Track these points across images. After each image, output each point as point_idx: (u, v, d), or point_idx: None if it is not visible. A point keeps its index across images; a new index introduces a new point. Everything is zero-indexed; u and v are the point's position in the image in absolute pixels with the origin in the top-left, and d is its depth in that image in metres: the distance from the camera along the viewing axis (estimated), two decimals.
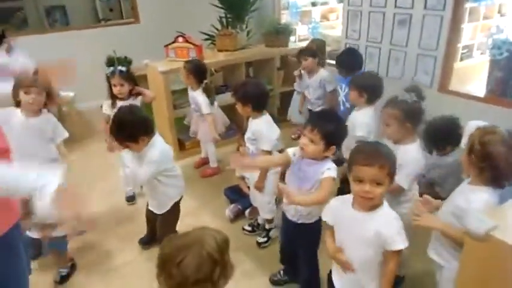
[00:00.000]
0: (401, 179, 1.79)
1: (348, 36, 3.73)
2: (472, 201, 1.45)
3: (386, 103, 1.92)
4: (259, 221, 2.63)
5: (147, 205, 2.41)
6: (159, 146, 2.08)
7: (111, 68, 2.72)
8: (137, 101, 2.72)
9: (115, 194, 3.10)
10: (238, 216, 2.78)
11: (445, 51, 2.99)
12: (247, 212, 2.76)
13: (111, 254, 2.49)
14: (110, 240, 2.62)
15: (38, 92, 2.14)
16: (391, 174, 1.37)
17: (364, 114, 2.42)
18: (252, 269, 2.35)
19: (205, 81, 3.12)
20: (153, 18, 5.06)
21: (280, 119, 3.71)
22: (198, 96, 3.06)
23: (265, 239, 2.53)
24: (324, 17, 5.91)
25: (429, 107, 2.35)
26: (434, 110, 2.41)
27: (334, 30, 5.11)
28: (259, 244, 2.53)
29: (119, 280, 2.31)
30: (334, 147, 1.71)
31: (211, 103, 3.11)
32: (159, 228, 2.34)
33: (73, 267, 2.33)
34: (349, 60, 3.09)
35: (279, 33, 3.98)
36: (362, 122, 2.39)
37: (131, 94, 2.72)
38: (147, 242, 2.51)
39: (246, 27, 4.51)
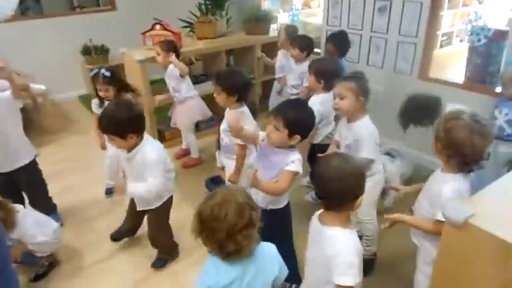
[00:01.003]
0: (365, 152, 1.92)
1: (329, 24, 3.69)
2: (444, 191, 1.45)
3: (341, 78, 2.03)
4: None
5: (131, 201, 2.30)
6: (154, 146, 2.00)
7: (95, 71, 2.62)
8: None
9: (92, 186, 3.02)
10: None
11: (425, 38, 2.98)
12: None
13: (88, 248, 2.43)
14: (87, 234, 2.56)
15: None
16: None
17: (317, 101, 2.41)
18: None
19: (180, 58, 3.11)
20: (131, 5, 4.90)
21: (261, 108, 3.67)
22: (174, 68, 3.02)
23: None
24: (306, 5, 5.86)
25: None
26: None
27: (315, 18, 5.06)
28: None
29: (94, 276, 2.26)
30: (298, 136, 1.68)
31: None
32: (153, 222, 2.23)
33: (51, 265, 2.26)
34: (344, 42, 3.07)
35: (260, 21, 3.91)
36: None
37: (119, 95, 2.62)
38: (117, 238, 2.44)
39: (226, 14, 4.41)
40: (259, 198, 1.83)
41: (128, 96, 2.63)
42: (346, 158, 1.48)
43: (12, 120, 2.28)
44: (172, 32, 3.42)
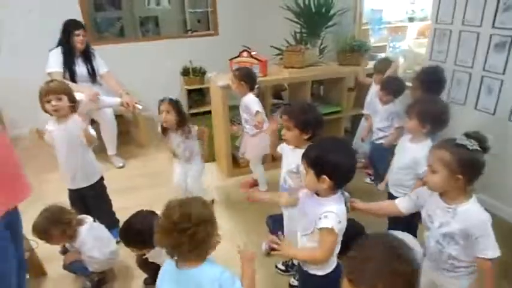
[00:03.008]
0: (489, 248, 1.44)
1: (433, 58, 3.24)
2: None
3: (438, 144, 1.53)
4: (295, 261, 2.35)
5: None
6: None
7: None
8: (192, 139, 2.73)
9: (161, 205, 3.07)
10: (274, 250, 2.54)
11: None
12: None
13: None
14: None
15: (58, 98, 2.21)
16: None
17: (424, 148, 1.92)
18: None
19: (256, 86, 3.00)
20: (230, 30, 5.08)
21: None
22: (248, 98, 2.92)
23: None
24: (422, 34, 5.35)
25: None
26: None
27: None
28: (291, 287, 2.26)
29: None
30: (325, 177, 1.43)
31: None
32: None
33: (100, 282, 2.31)
34: (430, 79, 2.66)
35: (354, 51, 3.64)
36: (424, 157, 1.92)
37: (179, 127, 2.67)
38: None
39: (322, 44, 4.24)
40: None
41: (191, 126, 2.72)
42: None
43: (85, 147, 2.44)
44: (258, 59, 3.37)
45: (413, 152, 2.10)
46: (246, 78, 2.90)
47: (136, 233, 1.93)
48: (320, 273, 1.56)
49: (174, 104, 2.61)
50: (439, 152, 1.46)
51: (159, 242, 1.34)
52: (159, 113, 2.65)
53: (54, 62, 3.54)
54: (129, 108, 3.66)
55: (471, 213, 1.45)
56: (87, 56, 3.73)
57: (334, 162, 1.42)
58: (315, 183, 1.46)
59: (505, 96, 2.68)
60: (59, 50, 3.58)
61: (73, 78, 3.60)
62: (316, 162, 1.45)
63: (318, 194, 1.54)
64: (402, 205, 1.69)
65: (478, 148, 1.40)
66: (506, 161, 2.62)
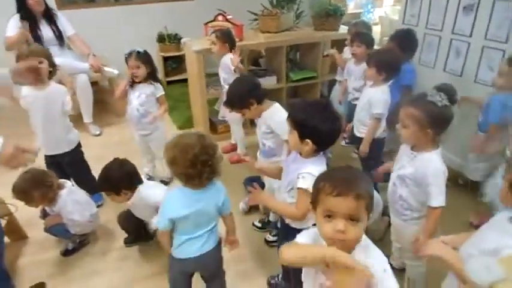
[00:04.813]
0: (435, 197, 1.55)
1: (405, 22, 3.30)
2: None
3: (409, 101, 1.61)
4: (271, 218, 2.47)
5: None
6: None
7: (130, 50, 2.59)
8: (159, 89, 2.66)
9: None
10: (252, 208, 2.65)
11: None
12: (261, 206, 2.60)
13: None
14: None
15: (39, 62, 2.12)
16: (369, 211, 1.01)
17: (382, 91, 2.37)
18: (253, 268, 2.21)
19: (236, 48, 3.01)
20: None
21: None
22: (228, 57, 2.92)
23: (275, 237, 2.36)
24: (398, 1, 5.39)
25: None
26: None
27: None
28: (267, 242, 2.38)
29: (123, 259, 2.32)
30: (309, 141, 1.46)
31: None
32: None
33: (81, 243, 2.37)
34: (409, 42, 2.81)
35: (329, 16, 3.65)
36: (380, 99, 2.36)
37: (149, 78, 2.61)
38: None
39: (298, 9, 4.23)
40: None
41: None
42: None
43: (63, 115, 2.43)
44: (234, 24, 3.35)
45: (369, 95, 2.42)
46: (228, 39, 2.92)
47: (110, 177, 2.00)
48: (300, 227, 1.61)
49: (143, 57, 2.53)
50: (409, 109, 1.56)
51: (179, 174, 1.52)
52: (128, 68, 2.56)
53: (12, 28, 3.40)
54: (96, 70, 3.61)
55: (428, 162, 1.57)
56: (50, 17, 3.58)
57: (319, 128, 1.44)
58: (298, 144, 1.50)
59: (472, 59, 2.78)
60: (16, 16, 3.44)
61: (40, 44, 3.48)
62: (300, 125, 1.48)
63: (300, 154, 1.58)
64: None
65: (447, 103, 1.51)
66: (467, 117, 2.74)
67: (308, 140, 1.46)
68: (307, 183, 1.45)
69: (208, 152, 1.51)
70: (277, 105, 2.14)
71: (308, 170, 1.48)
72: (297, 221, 1.60)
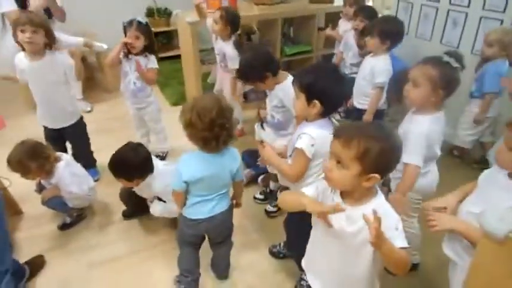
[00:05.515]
0: (408, 153, 1.52)
1: None
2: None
3: (426, 60, 1.57)
4: (271, 187, 2.46)
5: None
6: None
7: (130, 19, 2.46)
8: (153, 62, 2.55)
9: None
10: (251, 181, 2.64)
11: None
12: (260, 178, 2.59)
13: (120, 206, 2.44)
14: None
15: (33, 31, 2.07)
16: (363, 164, 1.04)
17: (385, 61, 2.39)
18: (255, 239, 2.22)
19: (237, 32, 2.88)
20: None
21: None
22: (227, 48, 2.80)
23: (275, 208, 2.37)
24: None
25: None
26: None
27: None
28: (267, 213, 2.38)
29: (120, 233, 2.30)
30: (317, 102, 1.43)
31: None
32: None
33: (79, 217, 2.34)
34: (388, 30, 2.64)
35: None
36: (383, 69, 2.37)
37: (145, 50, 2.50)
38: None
39: None
40: None
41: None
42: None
43: (65, 85, 2.37)
44: None
45: (371, 64, 2.42)
46: (232, 23, 2.72)
47: (126, 164, 1.94)
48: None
49: (144, 28, 2.42)
50: (425, 67, 1.54)
51: (196, 137, 1.51)
52: (127, 38, 2.43)
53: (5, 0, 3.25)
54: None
55: (417, 122, 1.58)
56: None
57: (328, 87, 1.42)
58: (306, 107, 1.47)
59: (469, 30, 2.78)
60: None
61: None
62: (309, 86, 1.44)
63: (306, 120, 1.55)
64: None
65: (458, 65, 1.50)
66: (461, 89, 2.75)
67: (316, 101, 1.43)
68: (303, 143, 1.45)
69: (226, 115, 1.50)
70: (291, 77, 2.09)
71: (306, 131, 1.47)
72: (290, 181, 1.60)
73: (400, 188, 1.60)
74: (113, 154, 1.99)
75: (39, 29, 2.10)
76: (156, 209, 2.12)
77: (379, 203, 1.12)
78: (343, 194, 1.15)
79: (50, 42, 2.19)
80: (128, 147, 2.01)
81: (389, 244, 1.02)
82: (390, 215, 1.10)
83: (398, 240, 1.05)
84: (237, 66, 2.76)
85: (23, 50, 2.19)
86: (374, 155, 1.02)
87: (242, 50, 2.72)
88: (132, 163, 1.94)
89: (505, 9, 2.53)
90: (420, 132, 1.55)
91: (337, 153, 1.07)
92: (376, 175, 1.04)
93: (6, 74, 2.43)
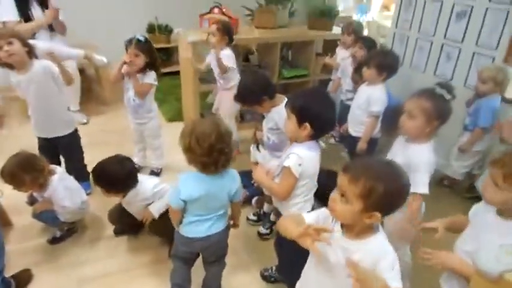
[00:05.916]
0: (422, 184, 1.59)
1: (398, 26, 3.38)
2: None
3: (420, 92, 1.65)
4: (265, 209, 2.47)
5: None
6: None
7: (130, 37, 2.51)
8: (149, 77, 2.56)
9: None
10: (245, 203, 2.64)
11: (506, 52, 2.59)
12: (254, 200, 2.60)
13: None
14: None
15: (8, 43, 2.06)
16: (366, 203, 1.04)
17: (381, 90, 2.47)
18: (247, 261, 2.21)
19: (233, 43, 2.95)
20: None
21: None
22: (225, 53, 2.82)
23: (268, 230, 2.38)
24: (385, 7, 5.48)
25: None
26: None
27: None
28: (260, 235, 2.38)
29: (110, 249, 2.27)
30: (307, 125, 1.49)
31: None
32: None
33: (69, 231, 2.31)
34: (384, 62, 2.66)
35: (323, 15, 3.70)
36: (379, 98, 2.46)
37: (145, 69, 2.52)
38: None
39: (292, 6, 4.25)
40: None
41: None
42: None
43: (57, 92, 2.35)
44: (230, 17, 3.35)
45: (368, 93, 2.50)
46: (228, 32, 2.82)
47: (111, 175, 1.94)
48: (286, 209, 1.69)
49: (143, 46, 2.45)
50: (419, 100, 1.61)
51: (195, 162, 1.53)
52: (126, 56, 2.46)
53: (6, 9, 3.27)
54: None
55: (419, 152, 1.63)
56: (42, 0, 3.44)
57: (319, 111, 1.50)
58: (296, 129, 1.53)
59: (462, 64, 2.87)
60: None
61: None
62: (301, 109, 1.50)
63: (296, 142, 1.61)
64: None
65: (450, 97, 1.59)
66: (454, 121, 2.82)
67: (307, 124, 1.49)
68: (291, 162, 1.51)
69: (225, 140, 1.52)
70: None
71: (295, 151, 1.53)
72: (279, 200, 1.67)
73: (408, 217, 1.63)
74: (98, 162, 2.00)
75: (13, 39, 2.09)
76: (155, 209, 2.07)
77: (378, 240, 1.12)
78: (344, 226, 1.16)
79: (30, 50, 2.18)
80: (115, 159, 2.03)
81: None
82: (388, 254, 1.10)
83: (394, 281, 1.05)
84: (231, 64, 2.85)
85: (11, 68, 2.19)
86: (378, 196, 1.02)
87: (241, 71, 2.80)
88: (116, 175, 1.95)
89: (497, 47, 2.63)
90: (429, 162, 1.62)
91: (343, 188, 1.07)
92: (378, 214, 1.05)
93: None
